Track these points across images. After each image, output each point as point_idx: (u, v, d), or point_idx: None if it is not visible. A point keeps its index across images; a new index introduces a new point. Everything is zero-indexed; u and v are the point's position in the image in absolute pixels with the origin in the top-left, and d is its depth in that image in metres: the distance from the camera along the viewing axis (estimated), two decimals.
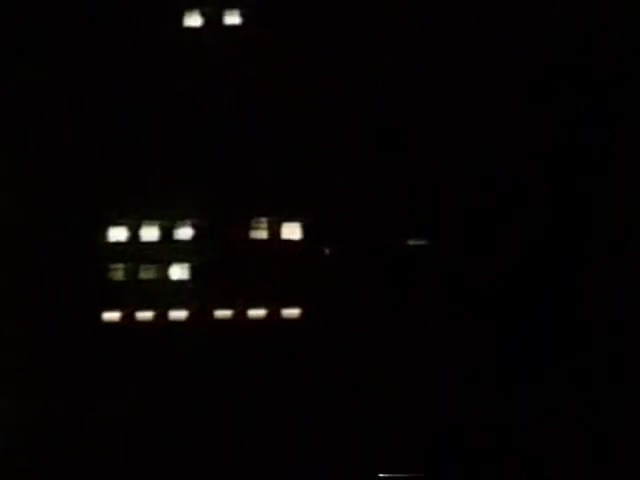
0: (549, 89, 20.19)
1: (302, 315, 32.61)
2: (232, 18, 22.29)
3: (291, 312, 32.49)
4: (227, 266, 34.12)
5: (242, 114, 24.02)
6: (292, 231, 35.49)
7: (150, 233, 34.85)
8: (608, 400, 20.35)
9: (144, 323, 30.77)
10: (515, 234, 21.01)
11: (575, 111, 19.80)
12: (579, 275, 19.53)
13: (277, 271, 34.72)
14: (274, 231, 36.16)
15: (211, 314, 34.68)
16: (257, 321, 34.49)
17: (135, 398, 23.04)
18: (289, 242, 36.12)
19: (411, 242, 24.51)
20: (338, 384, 21.61)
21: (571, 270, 19.81)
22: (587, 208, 19.77)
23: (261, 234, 35.74)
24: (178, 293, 33.60)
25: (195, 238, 35.90)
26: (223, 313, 34.95)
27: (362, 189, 24.26)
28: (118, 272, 31.18)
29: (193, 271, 34.89)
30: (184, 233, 35.67)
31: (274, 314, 34.03)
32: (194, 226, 36.10)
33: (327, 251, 32.12)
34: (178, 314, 32.37)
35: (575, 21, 20.33)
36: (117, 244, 33.05)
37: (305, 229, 35.63)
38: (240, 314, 35.28)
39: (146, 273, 33.27)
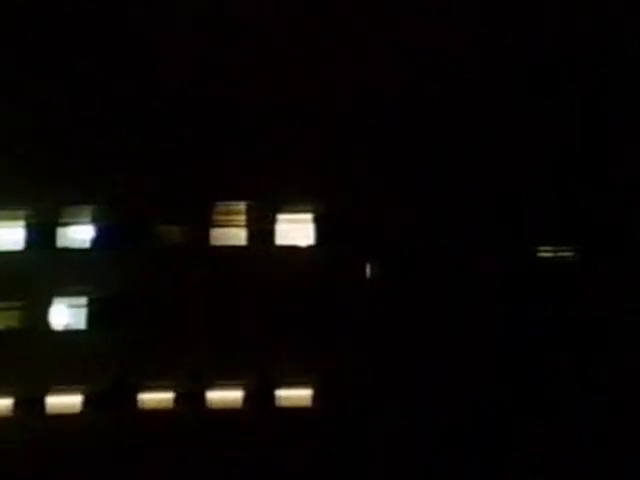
0: None
1: (317, 403, 22.47)
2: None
3: (294, 396, 22.17)
4: (167, 303, 23.25)
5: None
6: (300, 230, 22.95)
7: (10, 236, 22.64)
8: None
9: None
10: None
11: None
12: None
13: (268, 313, 24.04)
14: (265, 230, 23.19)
15: (134, 399, 23.71)
16: (225, 415, 23.91)
17: None
18: (294, 251, 23.39)
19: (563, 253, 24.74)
20: None
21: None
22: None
23: (238, 236, 23.11)
24: (66, 358, 22.51)
25: (106, 244, 23.43)
26: (156, 398, 23.03)
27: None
28: None
29: (99, 313, 23.03)
30: (78, 235, 23.30)
31: (259, 401, 23.13)
32: (99, 221, 23.74)
33: (373, 269, 22.56)
34: (64, 401, 22.19)
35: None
36: None
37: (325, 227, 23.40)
38: (194, 400, 23.86)
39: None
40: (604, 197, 24.84)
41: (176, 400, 25.93)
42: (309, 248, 25.61)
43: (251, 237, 25.54)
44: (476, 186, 25.52)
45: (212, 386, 26.08)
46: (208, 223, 25.82)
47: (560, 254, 26.14)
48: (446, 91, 24.74)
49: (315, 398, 25.81)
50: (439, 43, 24.34)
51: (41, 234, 25.79)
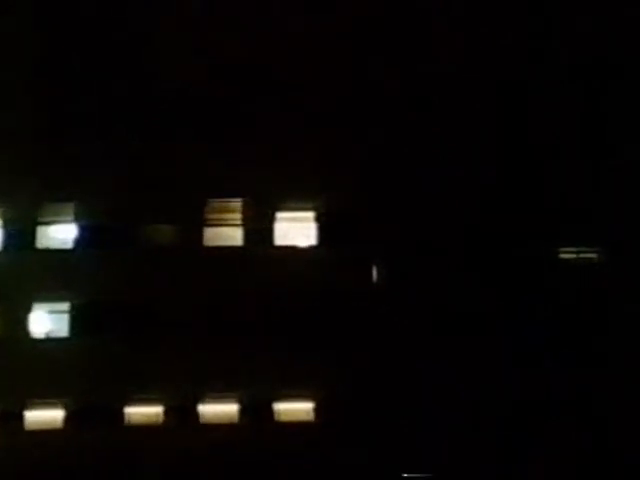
0: None
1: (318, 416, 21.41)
2: None
3: (294, 409, 21.03)
4: (156, 308, 22.17)
5: None
6: (303, 229, 21.83)
7: None
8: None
9: None
10: None
11: None
12: None
13: (267, 316, 22.99)
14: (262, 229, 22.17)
15: (120, 412, 22.31)
16: (220, 430, 22.48)
17: None
18: (295, 252, 22.32)
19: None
20: None
21: None
22: None
23: (233, 236, 21.94)
24: (47, 368, 21.18)
25: (90, 244, 22.13)
26: (144, 411, 21.51)
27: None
28: None
29: (82, 319, 21.76)
30: (60, 235, 22.16)
31: (257, 414, 22.08)
32: (83, 219, 22.31)
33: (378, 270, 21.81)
34: (45, 415, 20.88)
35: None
36: None
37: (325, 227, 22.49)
38: (185, 414, 22.59)
39: None
40: (610, 196, 25.57)
41: (166, 414, 24.47)
42: (309, 248, 24.87)
43: (248, 237, 24.59)
44: (474, 186, 25.72)
45: (205, 398, 24.64)
46: (202, 222, 24.79)
47: (562, 255, 26.67)
48: (446, 91, 25.19)
49: (316, 408, 24.83)
50: (439, 44, 25.07)
51: (20, 234, 24.34)
